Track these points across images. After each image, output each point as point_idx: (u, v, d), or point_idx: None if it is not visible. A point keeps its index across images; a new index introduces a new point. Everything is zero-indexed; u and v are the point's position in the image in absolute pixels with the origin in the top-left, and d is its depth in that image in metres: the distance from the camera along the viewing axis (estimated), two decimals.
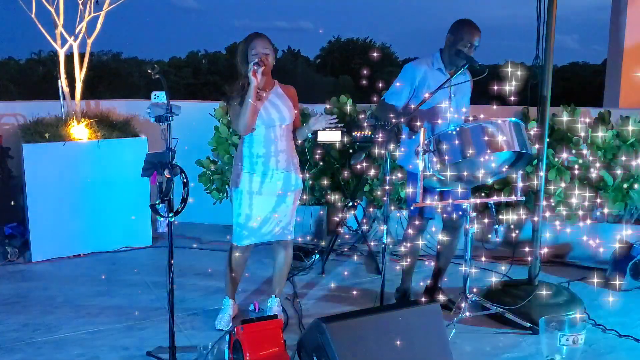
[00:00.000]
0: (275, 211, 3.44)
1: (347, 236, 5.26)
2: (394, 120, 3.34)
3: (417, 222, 3.68)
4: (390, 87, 3.63)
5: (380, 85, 4.61)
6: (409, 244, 3.73)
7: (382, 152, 3.43)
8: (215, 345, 3.15)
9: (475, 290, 3.69)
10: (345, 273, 4.53)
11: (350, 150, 4.88)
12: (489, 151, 3.12)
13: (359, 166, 4.74)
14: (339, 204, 5.22)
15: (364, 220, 5.11)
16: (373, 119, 5.04)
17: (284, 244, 3.57)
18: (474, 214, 3.41)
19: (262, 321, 2.97)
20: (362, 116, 4.85)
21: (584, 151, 4.70)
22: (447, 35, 3.58)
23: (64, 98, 5.04)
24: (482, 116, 3.67)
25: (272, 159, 3.37)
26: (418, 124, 3.28)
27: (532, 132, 3.64)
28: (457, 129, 3.14)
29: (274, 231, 3.49)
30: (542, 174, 3.66)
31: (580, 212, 4.75)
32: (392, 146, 3.40)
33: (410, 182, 3.67)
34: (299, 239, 5.25)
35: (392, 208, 5.00)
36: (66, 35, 5.01)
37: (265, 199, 3.41)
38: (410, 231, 3.71)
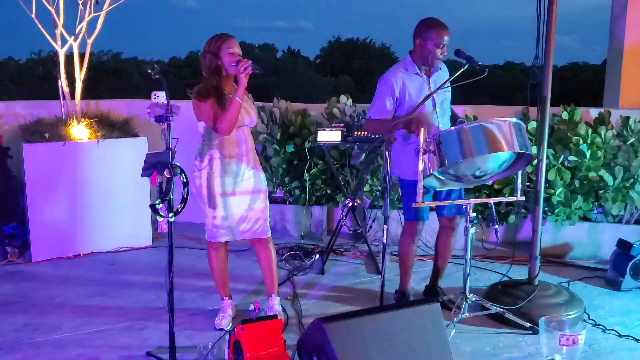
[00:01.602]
0: (250, 209, 3.45)
1: (347, 235, 5.26)
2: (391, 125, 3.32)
3: (413, 227, 3.68)
4: (372, 104, 3.57)
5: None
6: (406, 251, 3.73)
7: (383, 152, 3.40)
8: (215, 345, 3.14)
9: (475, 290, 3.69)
10: (346, 273, 4.53)
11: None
12: (489, 151, 3.12)
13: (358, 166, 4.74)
14: (339, 203, 5.22)
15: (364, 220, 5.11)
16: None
17: (264, 242, 3.55)
18: (473, 214, 3.40)
19: (262, 321, 2.97)
20: (361, 116, 4.85)
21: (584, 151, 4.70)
22: (415, 38, 3.48)
23: (64, 98, 5.04)
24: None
25: (243, 158, 3.41)
26: (412, 126, 3.27)
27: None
28: (458, 129, 3.13)
29: (252, 229, 3.49)
30: (542, 174, 3.65)
31: (580, 212, 4.75)
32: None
33: (403, 190, 3.66)
34: (301, 239, 5.26)
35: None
36: (66, 35, 5.01)
37: (239, 198, 3.42)
38: (406, 236, 3.71)
